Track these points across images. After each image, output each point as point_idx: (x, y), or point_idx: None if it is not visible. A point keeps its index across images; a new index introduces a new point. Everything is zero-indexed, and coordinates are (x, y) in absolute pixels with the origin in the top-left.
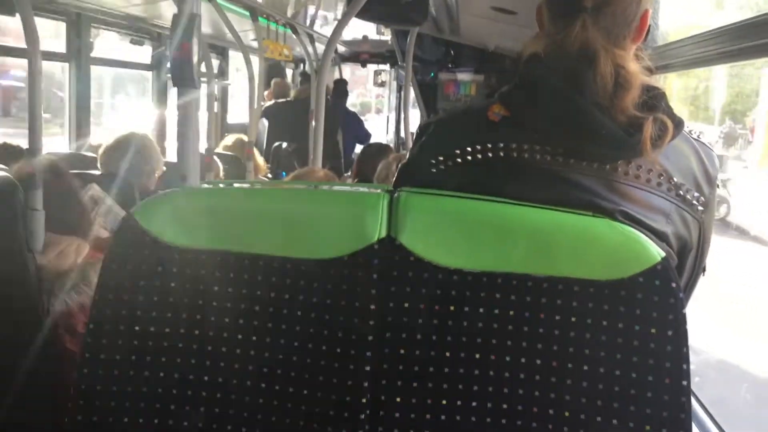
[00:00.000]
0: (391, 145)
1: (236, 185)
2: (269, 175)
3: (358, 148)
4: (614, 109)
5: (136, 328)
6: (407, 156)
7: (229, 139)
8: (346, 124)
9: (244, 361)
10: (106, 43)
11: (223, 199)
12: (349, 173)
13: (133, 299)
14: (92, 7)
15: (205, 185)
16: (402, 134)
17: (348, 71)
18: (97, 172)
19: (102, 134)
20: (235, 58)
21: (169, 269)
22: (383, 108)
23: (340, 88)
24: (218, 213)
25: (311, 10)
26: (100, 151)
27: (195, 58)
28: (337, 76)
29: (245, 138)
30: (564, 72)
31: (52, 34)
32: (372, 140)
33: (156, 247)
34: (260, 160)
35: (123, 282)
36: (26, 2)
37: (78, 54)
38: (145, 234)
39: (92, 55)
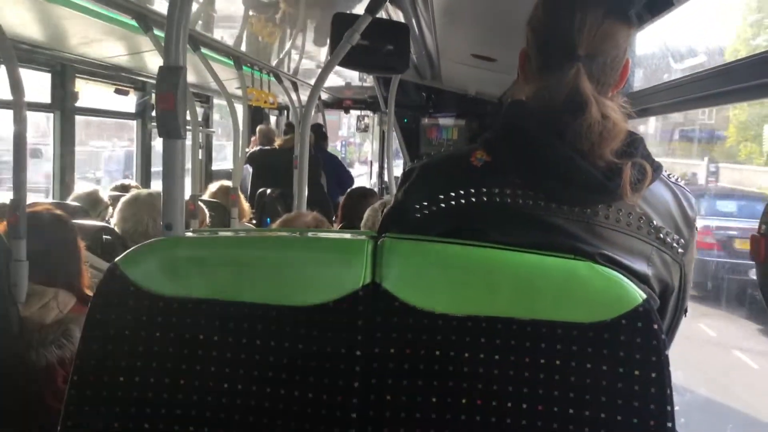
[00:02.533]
0: (375, 189)
1: (221, 233)
2: (254, 221)
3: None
4: (594, 156)
5: (121, 378)
6: (392, 201)
7: (214, 186)
8: (328, 169)
9: (230, 410)
10: (92, 93)
11: (209, 247)
12: (335, 218)
13: (118, 350)
14: (77, 58)
15: (190, 234)
16: (386, 178)
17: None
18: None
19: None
20: (220, 105)
21: (153, 319)
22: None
23: (319, 132)
24: (203, 261)
25: (294, 58)
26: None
27: (181, 109)
28: (320, 121)
29: (230, 184)
30: (548, 119)
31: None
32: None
33: (141, 296)
34: (245, 205)
35: (107, 332)
36: (11, 53)
37: (63, 104)
38: (130, 283)
39: (77, 104)
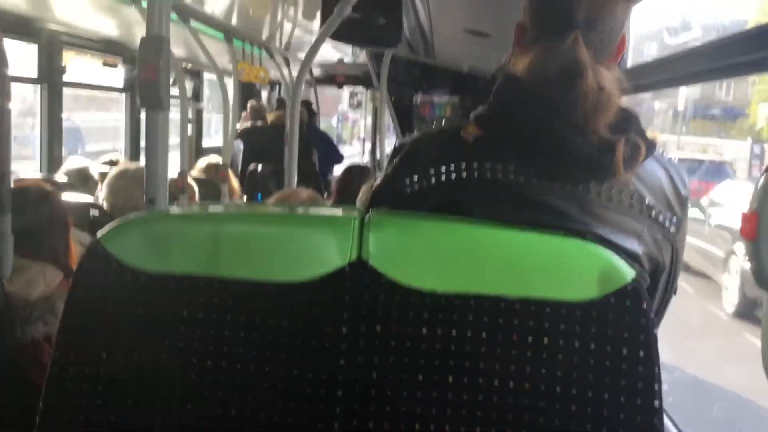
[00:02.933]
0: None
1: (211, 209)
2: (245, 197)
3: (336, 170)
4: (587, 130)
5: (103, 355)
6: (382, 177)
7: (203, 162)
8: (319, 146)
9: (215, 387)
10: (79, 65)
11: (193, 222)
12: (326, 195)
13: (100, 327)
14: (65, 30)
15: (174, 209)
16: (377, 156)
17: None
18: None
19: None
20: (210, 80)
21: (136, 295)
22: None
23: (309, 108)
24: (187, 237)
25: (286, 32)
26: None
27: (164, 80)
28: (312, 98)
29: (219, 161)
30: (543, 91)
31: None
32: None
33: (122, 272)
34: (235, 183)
35: (89, 308)
36: None
37: (50, 76)
38: (112, 259)
39: (65, 78)
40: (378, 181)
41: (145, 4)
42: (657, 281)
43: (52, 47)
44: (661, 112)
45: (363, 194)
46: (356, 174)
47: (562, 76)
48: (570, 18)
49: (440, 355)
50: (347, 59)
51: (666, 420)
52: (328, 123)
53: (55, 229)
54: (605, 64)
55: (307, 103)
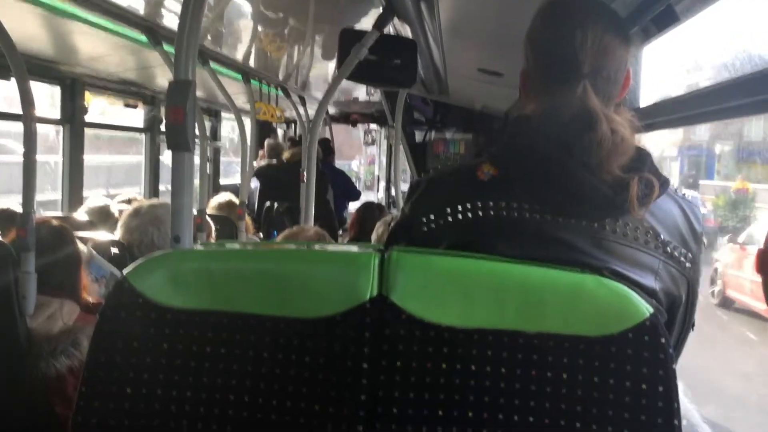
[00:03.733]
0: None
1: (228, 246)
2: (260, 235)
3: (350, 207)
4: (601, 170)
5: (128, 390)
6: (399, 215)
7: (218, 200)
8: (335, 183)
9: (238, 422)
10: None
11: (217, 259)
12: (341, 232)
13: (126, 361)
14: (87, 73)
15: (198, 247)
16: (393, 193)
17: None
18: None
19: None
20: (227, 119)
21: (161, 331)
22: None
23: (326, 147)
24: (211, 274)
25: (302, 72)
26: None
27: (190, 122)
28: (327, 136)
29: (234, 198)
30: (557, 134)
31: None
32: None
33: (148, 308)
34: (248, 220)
35: (115, 344)
36: (22, 67)
37: (72, 117)
38: (138, 295)
39: (86, 119)
40: (394, 219)
41: (167, 47)
42: (674, 316)
43: (74, 89)
44: (723, 156)
45: (377, 230)
46: (372, 211)
47: (575, 123)
48: (577, 68)
49: (460, 390)
50: (361, 97)
51: None
52: (346, 167)
53: (71, 266)
54: (612, 103)
55: (325, 141)
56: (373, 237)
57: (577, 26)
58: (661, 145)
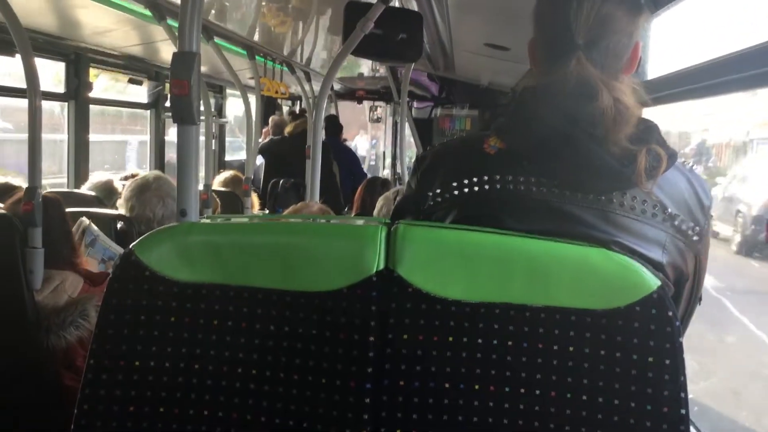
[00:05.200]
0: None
1: (234, 220)
2: (266, 211)
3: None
4: (608, 142)
5: (137, 363)
6: (405, 189)
7: (224, 175)
8: (341, 160)
9: (245, 395)
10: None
11: (223, 233)
12: (347, 209)
13: (134, 334)
14: (91, 48)
15: (205, 220)
16: (398, 169)
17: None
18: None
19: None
20: (232, 95)
21: (169, 303)
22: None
23: (333, 124)
24: (218, 247)
25: (307, 47)
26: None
27: (195, 95)
28: (332, 112)
29: (241, 174)
30: (560, 106)
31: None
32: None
33: (156, 281)
34: (254, 197)
35: (123, 317)
36: (26, 43)
37: (77, 93)
38: (145, 268)
39: (90, 94)
40: (397, 194)
41: (171, 22)
42: (681, 290)
43: (78, 64)
44: None
45: (381, 206)
46: (377, 185)
47: (576, 94)
48: (570, 40)
49: (466, 363)
50: (367, 73)
51: (692, 429)
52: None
53: (64, 234)
54: (618, 76)
55: (332, 118)
56: (376, 213)
57: None
58: (746, 125)
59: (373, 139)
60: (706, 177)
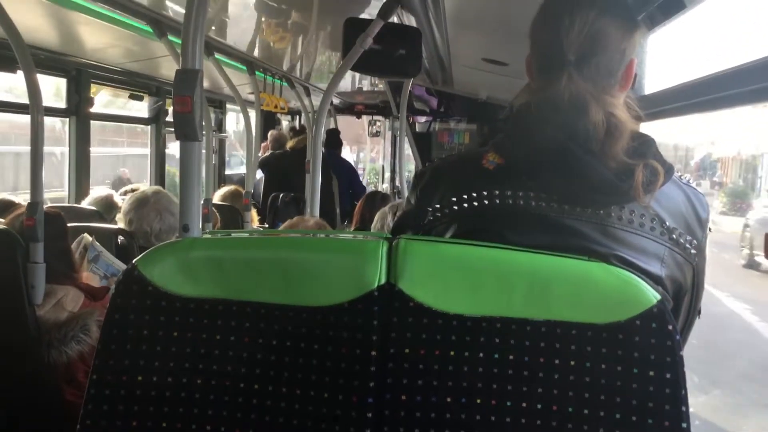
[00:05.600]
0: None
1: (235, 235)
2: (266, 225)
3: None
4: (605, 156)
5: (139, 378)
6: (404, 204)
7: (223, 190)
8: (341, 174)
9: (247, 409)
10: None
11: (226, 248)
12: (346, 222)
13: (136, 349)
14: (92, 63)
15: (207, 235)
16: (397, 183)
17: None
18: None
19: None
20: (232, 110)
21: (171, 319)
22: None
23: (333, 138)
24: (220, 262)
25: (307, 62)
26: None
27: (197, 112)
28: (332, 126)
29: (241, 189)
30: (556, 122)
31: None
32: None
33: (158, 296)
34: (253, 211)
35: (126, 332)
36: (28, 59)
37: (78, 109)
38: (148, 284)
39: (92, 110)
40: (396, 208)
41: (172, 38)
42: (680, 303)
43: (80, 80)
44: None
45: (377, 219)
46: (377, 200)
47: (570, 108)
48: (561, 56)
49: (468, 377)
50: (365, 87)
51: None
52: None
53: (67, 252)
54: (611, 92)
55: (333, 132)
56: (373, 228)
57: (566, 12)
58: (756, 138)
59: (360, 152)
60: (724, 197)
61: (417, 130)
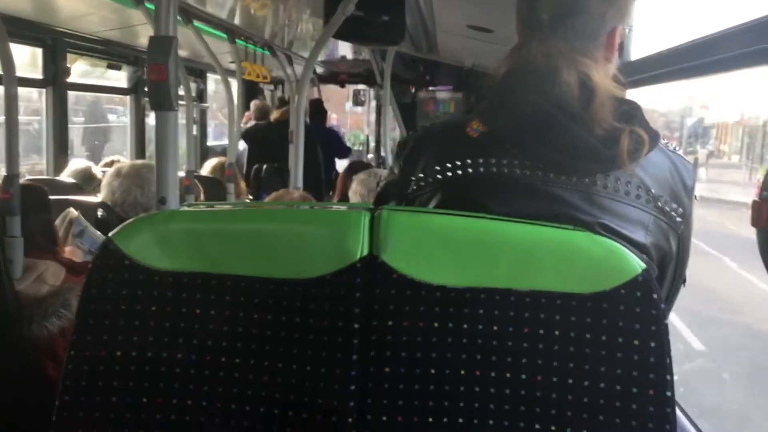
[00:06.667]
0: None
1: (217, 207)
2: (250, 197)
3: (339, 165)
4: (590, 122)
5: (118, 353)
6: (387, 174)
7: (212, 162)
8: (326, 143)
9: (229, 383)
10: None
11: (203, 221)
12: (331, 193)
13: (114, 324)
14: (68, 32)
15: (185, 208)
16: (382, 152)
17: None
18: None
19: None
20: (213, 79)
21: (149, 293)
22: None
23: (318, 107)
24: (199, 235)
25: (289, 30)
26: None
27: (173, 80)
28: (316, 96)
29: (226, 160)
30: (534, 85)
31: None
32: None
33: (136, 270)
34: (242, 183)
35: (103, 307)
36: (1, 29)
37: (55, 79)
38: (125, 257)
39: (69, 80)
40: (384, 179)
41: (149, 5)
42: (665, 271)
43: (56, 50)
44: None
45: (355, 189)
46: (359, 170)
47: (542, 72)
48: (536, 18)
49: (452, 348)
50: (349, 56)
51: (678, 411)
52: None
53: (47, 226)
54: (589, 54)
55: (316, 102)
56: (350, 194)
57: None
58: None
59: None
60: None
61: (399, 99)
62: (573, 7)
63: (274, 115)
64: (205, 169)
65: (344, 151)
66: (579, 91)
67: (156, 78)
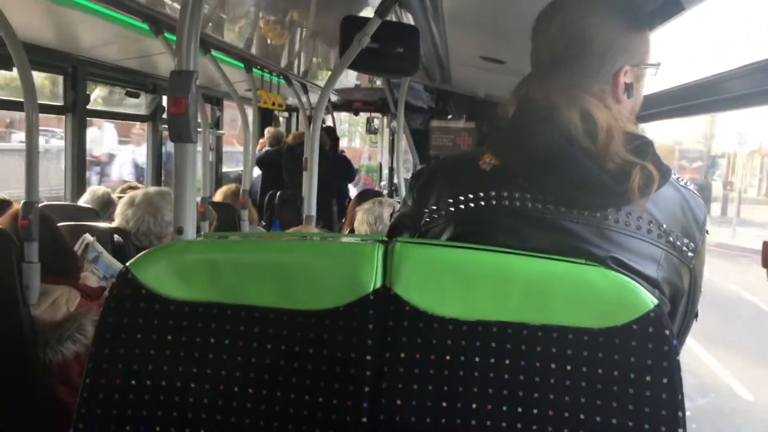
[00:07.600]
0: (384, 192)
1: (231, 238)
2: (263, 223)
3: (353, 192)
4: (603, 156)
5: (133, 381)
6: (400, 206)
7: (226, 188)
8: (338, 171)
9: (242, 413)
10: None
11: (220, 251)
12: (343, 220)
13: (130, 352)
14: (89, 61)
15: (201, 239)
16: (395, 180)
17: None
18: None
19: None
20: (229, 107)
21: (165, 322)
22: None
23: (331, 135)
24: (214, 265)
25: (304, 60)
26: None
27: (192, 114)
28: (329, 124)
29: (239, 187)
30: (544, 121)
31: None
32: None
33: (152, 300)
34: (253, 210)
35: (119, 335)
36: (23, 57)
37: (75, 106)
38: (142, 287)
39: (89, 107)
40: (397, 211)
41: (168, 35)
42: (677, 306)
43: (76, 77)
44: None
45: (360, 219)
46: (369, 199)
47: (544, 108)
48: (540, 57)
49: (463, 382)
50: (364, 84)
51: None
52: None
53: (64, 251)
54: (591, 92)
55: (329, 130)
56: (356, 226)
57: (551, 13)
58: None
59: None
60: None
61: (413, 126)
62: (574, 47)
63: (288, 139)
64: (219, 195)
65: (352, 175)
66: (582, 125)
67: (176, 111)
